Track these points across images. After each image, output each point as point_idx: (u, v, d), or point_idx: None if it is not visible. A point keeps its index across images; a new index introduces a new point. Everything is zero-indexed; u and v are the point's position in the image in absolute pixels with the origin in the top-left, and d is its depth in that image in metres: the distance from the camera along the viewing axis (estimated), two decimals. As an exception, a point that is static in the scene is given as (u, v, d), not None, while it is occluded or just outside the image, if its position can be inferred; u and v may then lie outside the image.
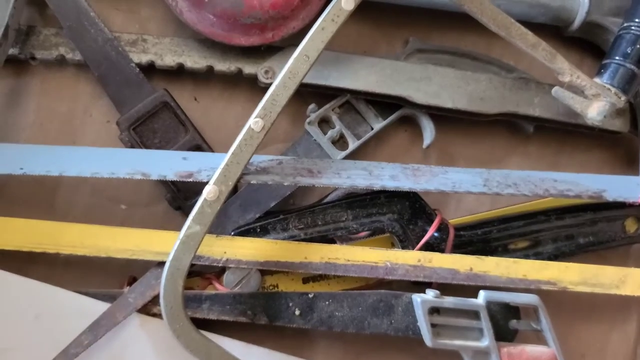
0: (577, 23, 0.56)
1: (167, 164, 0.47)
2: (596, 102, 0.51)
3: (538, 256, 0.54)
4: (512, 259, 0.51)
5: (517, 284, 0.51)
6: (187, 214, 0.45)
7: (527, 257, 0.53)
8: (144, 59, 0.52)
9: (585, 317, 0.57)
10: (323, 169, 0.49)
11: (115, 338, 0.48)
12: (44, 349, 0.46)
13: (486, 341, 0.48)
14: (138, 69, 0.51)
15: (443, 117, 0.55)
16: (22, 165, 0.46)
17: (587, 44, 0.60)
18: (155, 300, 0.48)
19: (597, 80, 0.52)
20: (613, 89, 0.51)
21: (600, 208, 0.55)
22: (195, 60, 0.52)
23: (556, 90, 0.51)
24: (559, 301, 0.55)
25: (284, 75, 0.45)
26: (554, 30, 0.59)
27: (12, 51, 0.50)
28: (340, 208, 0.51)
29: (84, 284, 0.49)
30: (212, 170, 0.46)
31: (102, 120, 0.54)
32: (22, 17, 0.51)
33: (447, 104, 0.53)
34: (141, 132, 0.51)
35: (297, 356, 0.52)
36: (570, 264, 0.52)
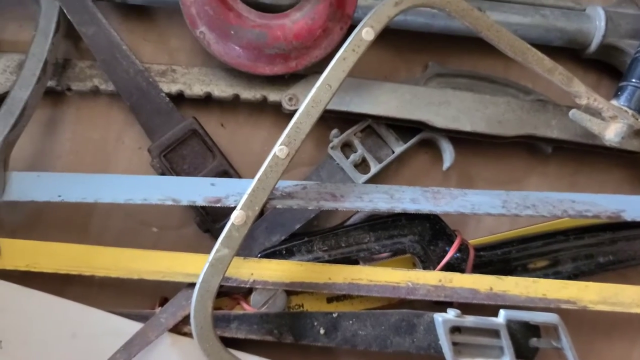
0: (593, 46, 0.57)
1: (196, 190, 0.49)
2: (613, 124, 0.52)
3: (557, 275, 0.54)
4: (531, 279, 0.52)
5: (537, 303, 0.52)
6: (215, 236, 0.47)
7: (546, 276, 0.54)
8: (174, 88, 0.54)
9: (606, 335, 0.58)
10: (346, 193, 0.50)
11: (148, 357, 0.49)
12: (81, 367, 0.48)
13: (507, 359, 0.49)
14: (168, 99, 0.53)
15: (462, 139, 0.56)
16: (60, 192, 0.48)
17: (605, 65, 0.61)
18: (186, 320, 0.49)
19: (614, 102, 0.53)
20: (630, 111, 0.52)
21: (620, 227, 0.56)
22: (222, 89, 0.54)
23: (573, 113, 0.52)
24: (580, 319, 0.56)
25: (307, 103, 0.47)
26: (571, 52, 0.60)
27: (50, 83, 0.53)
28: (362, 230, 0.52)
29: (118, 304, 0.51)
30: (239, 196, 0.47)
31: (134, 147, 0.56)
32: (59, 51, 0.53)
33: (466, 127, 0.55)
34: (171, 158, 0.53)
35: (322, 373, 0.53)
36: (590, 283, 0.52)
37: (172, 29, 0.57)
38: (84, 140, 0.56)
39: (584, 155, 0.60)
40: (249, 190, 0.46)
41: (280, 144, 0.46)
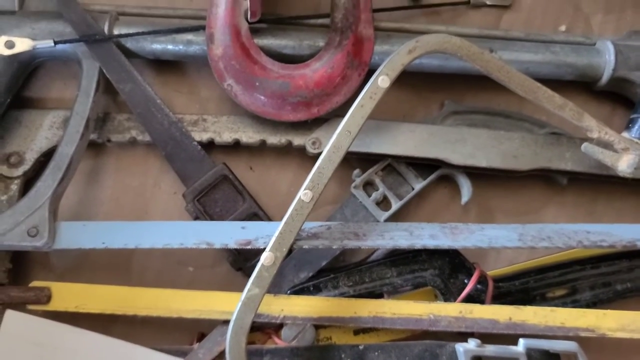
0: (604, 79, 0.59)
1: (228, 233, 0.52)
2: (626, 156, 0.54)
3: (576, 304, 0.56)
4: (549, 308, 0.54)
5: (556, 332, 0.53)
6: (247, 274, 0.50)
7: (565, 305, 0.56)
8: (205, 136, 0.57)
9: (627, 362, 0.59)
10: (368, 232, 0.53)
11: (188, 389, 0.52)
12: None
13: (528, 387, 0.51)
14: (200, 147, 0.57)
15: (480, 173, 0.58)
16: (104, 240, 0.52)
17: (618, 96, 0.62)
18: (221, 355, 0.52)
19: (625, 134, 0.55)
20: (641, 143, 0.54)
21: (636, 255, 0.57)
22: (249, 135, 0.57)
23: (585, 146, 0.54)
24: (600, 346, 0.57)
25: (328, 149, 0.50)
26: (584, 85, 0.61)
27: (92, 136, 0.57)
28: (385, 266, 0.55)
29: (159, 341, 0.54)
30: (268, 238, 0.50)
31: (170, 192, 0.60)
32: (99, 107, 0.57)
33: (482, 163, 0.57)
34: (204, 202, 0.56)
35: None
36: (608, 310, 0.54)
37: (202, 80, 0.61)
38: (124, 187, 0.60)
39: (600, 185, 0.61)
40: (277, 232, 0.49)
41: (305, 189, 0.49)
